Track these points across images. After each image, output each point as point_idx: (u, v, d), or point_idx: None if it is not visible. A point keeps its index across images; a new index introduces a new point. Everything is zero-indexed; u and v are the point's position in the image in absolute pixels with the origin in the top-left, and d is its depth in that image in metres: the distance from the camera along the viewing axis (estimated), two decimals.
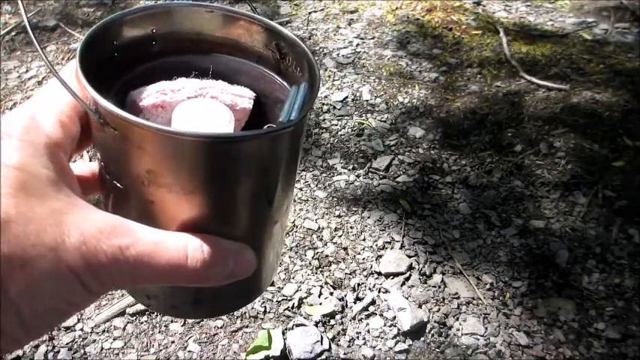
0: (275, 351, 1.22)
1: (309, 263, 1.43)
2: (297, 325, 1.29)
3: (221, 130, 0.34)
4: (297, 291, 1.37)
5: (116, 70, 0.37)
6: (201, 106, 0.35)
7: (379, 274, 1.41)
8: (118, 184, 0.33)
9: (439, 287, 1.38)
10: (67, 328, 1.30)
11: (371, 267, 1.42)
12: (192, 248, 0.31)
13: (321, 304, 1.34)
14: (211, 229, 0.32)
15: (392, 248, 1.47)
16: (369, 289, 1.37)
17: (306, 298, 1.36)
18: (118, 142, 0.30)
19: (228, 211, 0.33)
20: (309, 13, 2.54)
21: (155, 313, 1.33)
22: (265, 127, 0.33)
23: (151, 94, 0.35)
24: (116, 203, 0.35)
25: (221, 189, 0.31)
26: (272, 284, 1.38)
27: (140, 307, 1.33)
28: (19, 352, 1.26)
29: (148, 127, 0.28)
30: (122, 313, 1.33)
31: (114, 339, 1.29)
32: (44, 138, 0.30)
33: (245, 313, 1.33)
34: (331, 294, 1.36)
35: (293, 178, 0.39)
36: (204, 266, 0.31)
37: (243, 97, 0.38)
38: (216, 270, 0.32)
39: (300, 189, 1.64)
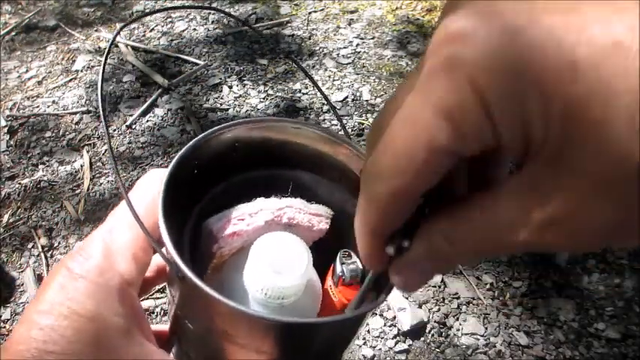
0: None
1: None
2: None
3: (297, 281, 0.33)
4: None
5: (195, 190, 0.37)
6: (279, 245, 0.34)
7: None
8: (190, 325, 0.33)
9: (439, 287, 1.38)
10: None
11: None
12: None
13: None
14: None
15: None
16: None
17: None
18: (195, 298, 0.30)
19: None
20: (309, 13, 2.55)
21: (155, 314, 1.33)
22: (340, 253, 0.34)
23: (228, 223, 0.35)
24: (183, 335, 0.35)
25: (292, 354, 0.32)
26: None
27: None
28: None
29: (226, 305, 0.28)
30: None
31: None
32: (118, 279, 0.30)
33: None
34: None
35: (352, 342, 0.39)
36: None
37: (321, 217, 0.38)
38: None
39: None
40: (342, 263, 0.37)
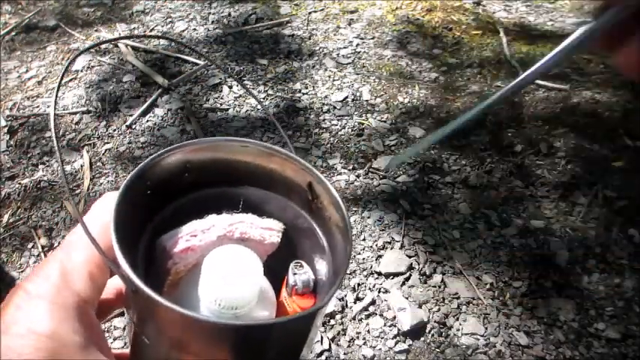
0: None
1: None
2: None
3: (249, 290, 0.34)
4: None
5: (148, 209, 0.38)
6: (230, 257, 0.35)
7: (379, 274, 1.41)
8: (147, 341, 0.34)
9: (439, 287, 1.38)
10: None
11: (371, 267, 1.42)
12: None
13: None
14: None
15: (392, 248, 1.47)
16: (369, 289, 1.37)
17: None
18: (150, 310, 0.31)
19: None
20: (309, 13, 2.54)
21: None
22: (292, 264, 0.35)
23: (181, 239, 0.36)
24: (141, 352, 0.36)
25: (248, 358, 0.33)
26: None
27: None
28: None
29: (177, 312, 0.28)
30: (122, 314, 1.33)
31: (114, 339, 1.29)
32: (75, 297, 0.31)
33: None
34: None
35: (311, 346, 0.41)
36: None
37: (272, 231, 0.39)
38: None
39: None
40: (294, 274, 0.38)
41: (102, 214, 0.34)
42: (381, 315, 1.32)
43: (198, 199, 0.40)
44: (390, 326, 1.30)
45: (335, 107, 1.96)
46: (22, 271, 1.44)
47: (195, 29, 2.44)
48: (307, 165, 0.40)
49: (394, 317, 1.31)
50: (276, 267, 0.39)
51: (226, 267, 0.34)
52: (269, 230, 0.39)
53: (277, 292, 0.39)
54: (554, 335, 1.27)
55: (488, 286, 1.38)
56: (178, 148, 0.39)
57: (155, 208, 0.39)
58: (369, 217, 1.55)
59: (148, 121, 1.92)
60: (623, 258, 1.42)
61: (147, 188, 0.37)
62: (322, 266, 0.40)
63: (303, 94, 2.03)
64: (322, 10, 2.56)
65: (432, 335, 1.28)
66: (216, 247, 0.35)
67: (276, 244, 0.39)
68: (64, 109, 1.98)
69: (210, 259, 0.34)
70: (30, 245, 1.51)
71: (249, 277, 0.34)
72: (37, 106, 2.01)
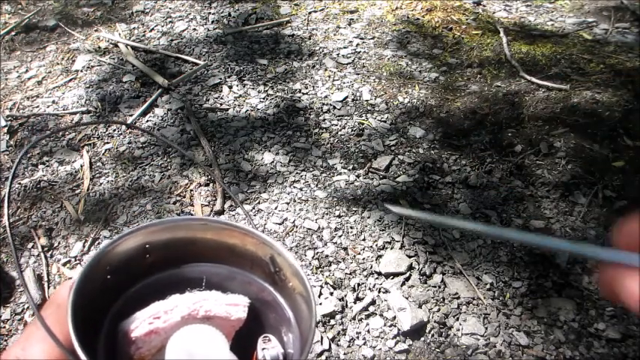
0: None
1: (309, 263, 1.43)
2: None
3: None
4: None
5: (109, 294, 0.38)
6: (194, 337, 0.35)
7: (379, 274, 1.41)
8: None
9: (439, 287, 1.38)
10: None
11: (371, 267, 1.42)
12: None
13: (321, 304, 1.34)
14: None
15: (392, 248, 1.47)
16: (369, 289, 1.37)
17: None
18: None
19: None
20: (309, 13, 2.54)
21: None
22: (260, 339, 0.36)
23: (143, 322, 0.35)
24: None
25: None
26: None
27: None
28: None
29: None
30: None
31: None
32: None
33: None
34: (331, 294, 1.36)
35: None
36: None
37: (238, 306, 0.39)
38: None
39: (300, 189, 1.64)
40: (263, 349, 0.38)
41: (61, 304, 0.33)
42: (381, 315, 1.32)
43: (160, 279, 0.40)
44: (390, 326, 1.30)
45: (335, 107, 1.96)
46: (21, 271, 1.44)
47: (195, 29, 2.44)
48: (267, 239, 0.40)
49: (394, 317, 1.31)
50: (244, 342, 0.39)
51: (192, 348, 0.33)
52: (234, 306, 0.39)
53: None
54: (554, 335, 1.27)
55: (488, 286, 1.38)
56: (137, 231, 0.38)
57: (117, 292, 0.38)
58: (369, 217, 1.55)
59: (147, 121, 1.92)
60: None
61: (106, 273, 0.37)
62: (289, 338, 0.39)
63: (303, 94, 2.03)
64: (322, 10, 2.56)
65: (432, 335, 1.28)
66: (180, 328, 0.35)
67: (242, 319, 0.39)
68: (64, 109, 1.98)
69: (173, 341, 0.34)
70: (30, 245, 1.51)
71: (216, 356, 0.33)
72: (37, 106, 2.01)
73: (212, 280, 0.41)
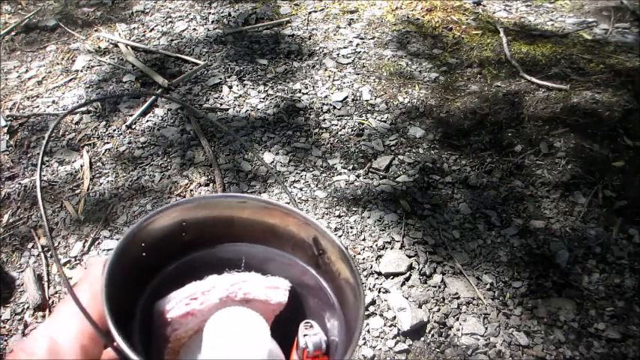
0: None
1: None
2: None
3: (255, 357, 0.32)
4: None
5: (144, 272, 0.36)
6: (234, 321, 0.33)
7: (379, 274, 1.41)
8: None
9: (439, 287, 1.38)
10: None
11: (371, 267, 1.42)
12: None
13: None
14: None
15: (392, 248, 1.47)
16: (369, 289, 1.37)
17: None
18: None
19: None
20: (309, 13, 2.54)
21: None
22: (302, 325, 0.34)
23: (180, 303, 0.34)
24: None
25: None
26: None
27: None
28: None
29: None
30: None
31: None
32: None
33: None
34: None
35: None
36: None
37: (278, 289, 0.37)
38: None
39: (300, 189, 1.64)
40: (305, 335, 0.36)
41: (94, 281, 0.32)
42: (381, 315, 1.32)
43: (196, 259, 0.39)
44: (390, 326, 1.30)
45: (335, 107, 1.96)
46: (21, 271, 1.44)
47: (195, 29, 2.44)
48: (311, 219, 0.38)
49: (394, 317, 1.31)
50: (284, 328, 0.37)
51: (230, 332, 0.32)
52: (274, 289, 0.37)
53: (287, 354, 0.37)
54: (554, 335, 1.27)
55: (488, 286, 1.38)
56: (173, 207, 0.37)
57: (152, 271, 0.37)
58: (369, 217, 1.55)
59: (147, 121, 1.92)
60: (623, 258, 1.42)
61: (142, 250, 0.35)
62: (333, 325, 0.37)
63: (303, 94, 2.03)
64: (322, 10, 2.56)
65: (432, 335, 1.28)
66: (218, 310, 0.34)
67: (283, 303, 0.37)
68: (64, 109, 1.98)
69: (212, 324, 0.32)
70: (30, 245, 1.51)
71: (255, 342, 0.32)
72: (37, 106, 2.01)
73: (251, 261, 0.39)
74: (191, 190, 1.64)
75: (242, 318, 0.33)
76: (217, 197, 0.39)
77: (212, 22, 2.49)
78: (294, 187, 1.65)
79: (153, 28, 2.46)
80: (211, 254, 0.39)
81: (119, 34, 2.42)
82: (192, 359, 0.34)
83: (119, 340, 0.28)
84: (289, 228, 0.39)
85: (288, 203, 0.40)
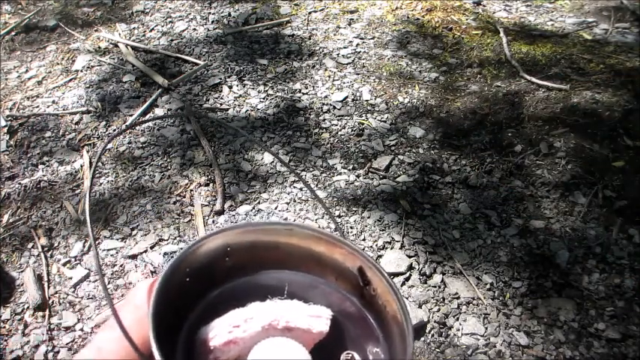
0: None
1: None
2: None
3: None
4: None
5: (187, 298, 0.36)
6: (277, 353, 0.32)
7: None
8: None
9: (439, 287, 1.38)
10: (67, 328, 1.30)
11: None
12: None
13: None
14: None
15: (392, 248, 1.47)
16: None
17: None
18: None
19: None
20: (309, 13, 2.54)
21: None
22: (343, 355, 0.33)
23: (222, 330, 0.34)
24: None
25: None
26: None
27: None
28: (19, 353, 1.26)
29: None
30: None
31: None
32: None
33: None
34: None
35: None
36: None
37: (320, 318, 0.37)
38: None
39: (300, 189, 1.64)
40: None
41: (137, 305, 0.32)
42: None
43: (239, 285, 0.39)
44: None
45: (335, 107, 1.96)
46: (21, 271, 1.44)
47: (195, 29, 2.44)
48: (357, 249, 0.38)
49: None
50: (323, 357, 0.36)
51: None
52: (317, 318, 0.36)
53: None
54: (554, 335, 1.27)
55: (488, 286, 1.38)
56: (220, 233, 0.37)
57: (195, 296, 0.37)
58: (369, 217, 1.55)
59: (148, 120, 1.92)
60: (623, 258, 1.42)
61: (186, 275, 0.35)
62: (376, 357, 0.37)
63: (303, 94, 2.03)
64: (322, 10, 2.56)
65: (432, 335, 1.28)
66: (260, 339, 0.33)
67: (324, 332, 0.36)
68: (64, 109, 1.98)
69: (256, 354, 0.32)
70: (30, 245, 1.51)
71: None
72: (37, 106, 2.01)
73: (293, 289, 0.38)
74: (191, 190, 1.64)
75: (287, 349, 0.33)
76: (263, 224, 0.39)
77: (212, 22, 2.49)
78: (294, 187, 1.65)
79: (153, 28, 2.46)
80: (254, 280, 0.39)
81: (119, 34, 2.42)
82: None
83: None
84: (334, 256, 0.39)
85: (331, 229, 0.40)
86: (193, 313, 0.36)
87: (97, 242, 1.51)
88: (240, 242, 0.38)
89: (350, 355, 0.36)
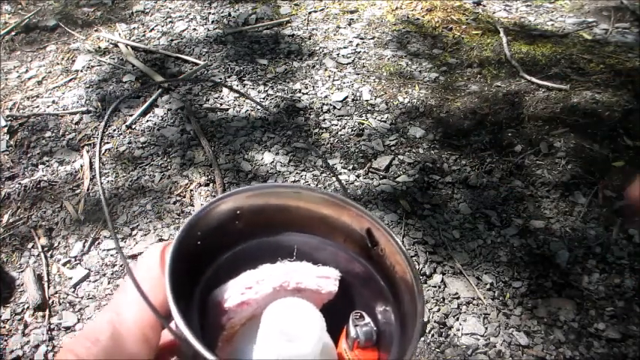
0: None
1: None
2: None
3: (311, 347, 0.32)
4: None
5: (199, 261, 0.37)
6: (290, 312, 0.33)
7: None
8: None
9: (439, 287, 1.38)
10: (67, 328, 1.30)
11: None
12: None
13: None
14: None
15: None
16: None
17: None
18: None
19: None
20: (309, 13, 2.54)
21: None
22: (352, 315, 0.34)
23: (235, 292, 0.35)
24: None
25: None
26: None
27: None
28: (19, 353, 1.26)
29: None
30: None
31: None
32: None
33: None
34: None
35: None
36: None
37: (329, 279, 0.37)
38: None
39: None
40: (355, 325, 0.36)
41: (151, 268, 0.33)
42: None
43: (250, 248, 0.39)
44: None
45: (335, 107, 1.96)
46: (21, 271, 1.44)
47: (195, 29, 2.44)
48: (365, 211, 0.38)
49: None
50: (332, 316, 0.36)
51: (287, 322, 0.32)
52: (325, 279, 0.37)
53: (334, 343, 0.37)
54: (554, 335, 1.27)
55: (488, 286, 1.38)
56: (230, 196, 0.37)
57: (207, 260, 0.37)
58: None
59: (147, 121, 1.92)
60: (623, 258, 1.42)
61: (197, 239, 0.36)
62: (385, 317, 0.37)
63: (303, 94, 2.03)
64: (322, 10, 2.56)
65: (432, 335, 1.28)
66: (271, 300, 0.34)
67: (333, 292, 0.37)
68: (64, 109, 1.98)
69: (269, 315, 0.33)
70: (30, 245, 1.51)
71: (311, 333, 0.32)
72: (37, 106, 2.01)
73: (302, 251, 0.39)
74: (191, 190, 1.64)
75: (300, 309, 0.33)
76: (273, 186, 0.40)
77: (212, 22, 2.49)
78: None
79: (153, 28, 2.46)
80: (264, 243, 0.40)
81: (119, 34, 2.42)
82: (246, 347, 0.34)
83: (182, 325, 0.29)
84: (342, 219, 0.39)
85: (338, 191, 0.40)
86: (205, 275, 0.37)
87: (97, 241, 1.51)
88: (250, 205, 0.39)
89: (359, 314, 0.37)
